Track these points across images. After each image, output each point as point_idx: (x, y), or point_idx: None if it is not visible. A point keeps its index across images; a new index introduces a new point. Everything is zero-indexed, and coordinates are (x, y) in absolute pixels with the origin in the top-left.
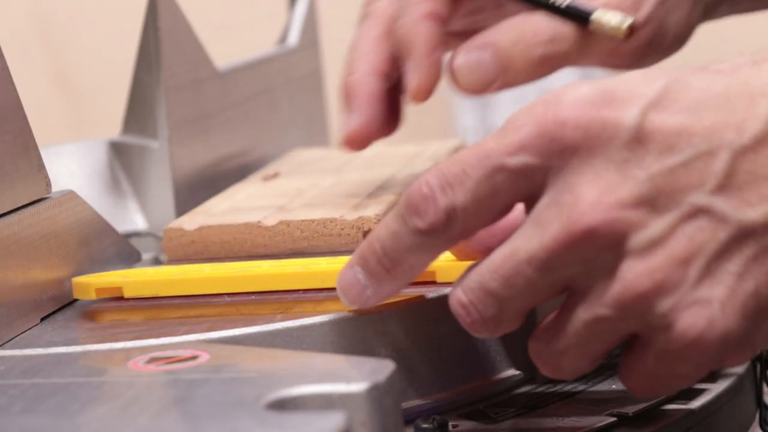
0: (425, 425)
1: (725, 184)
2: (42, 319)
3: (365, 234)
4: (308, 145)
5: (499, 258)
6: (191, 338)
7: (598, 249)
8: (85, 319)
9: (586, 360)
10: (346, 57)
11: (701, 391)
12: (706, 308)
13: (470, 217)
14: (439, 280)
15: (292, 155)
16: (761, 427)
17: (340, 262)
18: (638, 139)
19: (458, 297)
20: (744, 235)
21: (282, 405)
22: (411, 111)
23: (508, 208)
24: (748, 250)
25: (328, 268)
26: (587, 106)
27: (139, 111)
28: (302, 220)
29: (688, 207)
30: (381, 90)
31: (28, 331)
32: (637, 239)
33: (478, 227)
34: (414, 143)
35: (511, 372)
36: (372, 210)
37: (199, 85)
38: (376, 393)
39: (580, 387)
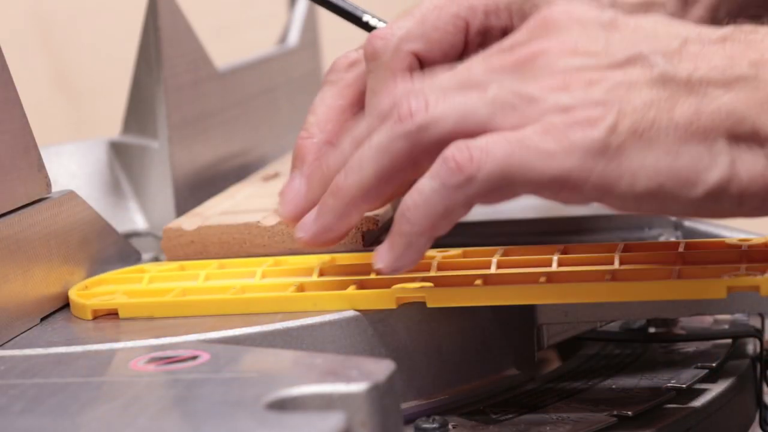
0: (425, 425)
1: (669, 54)
2: (42, 319)
3: (364, 234)
4: None
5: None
6: (191, 338)
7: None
8: (85, 319)
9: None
10: (306, 118)
11: (701, 391)
12: (605, 107)
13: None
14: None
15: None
16: (761, 427)
17: (330, 284)
18: (611, 24)
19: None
20: (665, 80)
21: (282, 405)
22: None
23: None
24: (664, 92)
25: (321, 293)
26: (573, 3)
27: (139, 111)
28: None
29: (633, 52)
30: None
31: (28, 331)
32: (585, 38)
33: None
34: None
35: (511, 372)
36: (372, 210)
37: (199, 85)
38: (376, 393)
39: (580, 387)
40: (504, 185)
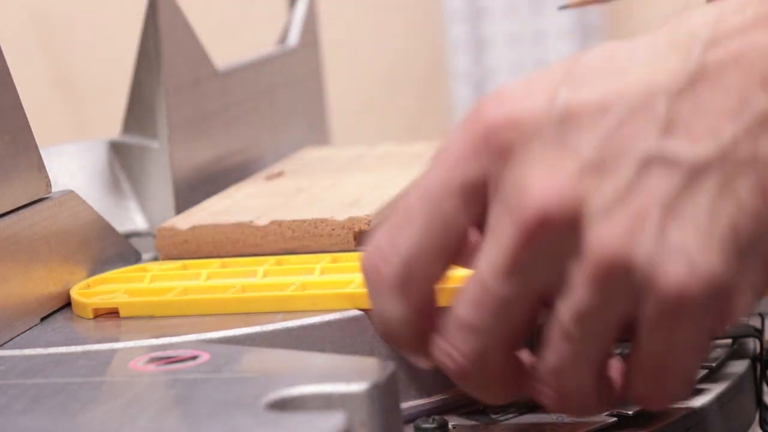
0: (425, 425)
1: (670, 126)
2: (42, 319)
3: (356, 235)
4: (308, 144)
5: (465, 286)
6: (191, 338)
7: (558, 233)
8: (85, 319)
9: (590, 373)
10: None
11: (701, 391)
12: (682, 255)
13: (428, 256)
14: None
15: (299, 154)
16: (761, 427)
17: (331, 284)
18: (570, 114)
19: (440, 345)
20: (701, 172)
21: (282, 405)
22: (412, 110)
23: (464, 233)
24: (710, 185)
25: (322, 291)
26: (510, 102)
27: (139, 111)
28: (293, 221)
29: (637, 160)
30: None
31: (28, 331)
32: (593, 206)
33: (441, 266)
34: (424, 143)
35: None
36: (364, 211)
37: (199, 85)
38: (376, 393)
39: None
40: None
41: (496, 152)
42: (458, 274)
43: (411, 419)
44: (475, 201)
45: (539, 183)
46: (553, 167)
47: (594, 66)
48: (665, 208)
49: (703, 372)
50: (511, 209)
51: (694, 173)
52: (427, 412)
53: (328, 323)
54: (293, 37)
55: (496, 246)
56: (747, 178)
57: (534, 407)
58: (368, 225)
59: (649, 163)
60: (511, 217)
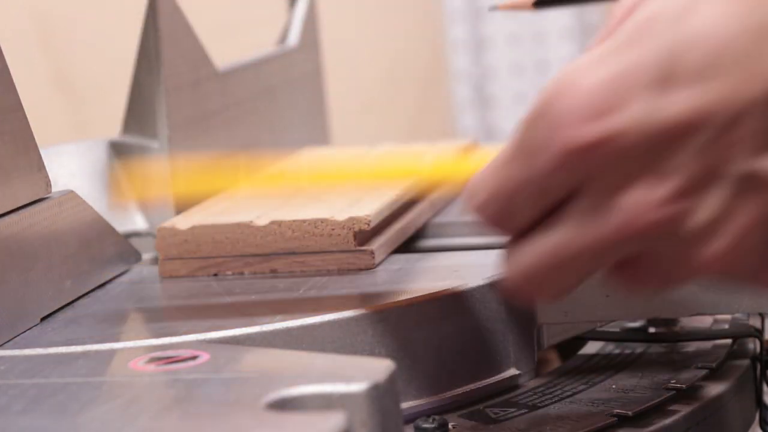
0: (425, 425)
1: (764, 143)
2: (42, 319)
3: (356, 235)
4: (308, 144)
5: (550, 247)
6: (191, 338)
7: (653, 241)
8: (85, 319)
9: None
10: None
11: (701, 391)
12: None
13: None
14: None
15: (300, 154)
16: (761, 427)
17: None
18: (658, 133)
19: (516, 281)
20: (752, 180)
21: (282, 405)
22: (412, 110)
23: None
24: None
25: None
26: (589, 122)
27: (139, 111)
28: (293, 220)
29: (733, 180)
30: None
31: (28, 331)
32: (692, 227)
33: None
34: (424, 143)
35: (511, 372)
36: (364, 211)
37: (199, 85)
38: (376, 393)
39: (580, 387)
40: None
41: (585, 173)
42: None
43: (411, 419)
44: (563, 191)
45: (639, 201)
46: (649, 189)
47: (677, 61)
48: (764, 228)
49: (703, 372)
50: (609, 215)
51: (744, 179)
52: (427, 412)
53: (328, 323)
54: (293, 37)
55: (591, 233)
56: None
57: (534, 407)
58: (368, 225)
59: (745, 183)
60: (607, 227)
